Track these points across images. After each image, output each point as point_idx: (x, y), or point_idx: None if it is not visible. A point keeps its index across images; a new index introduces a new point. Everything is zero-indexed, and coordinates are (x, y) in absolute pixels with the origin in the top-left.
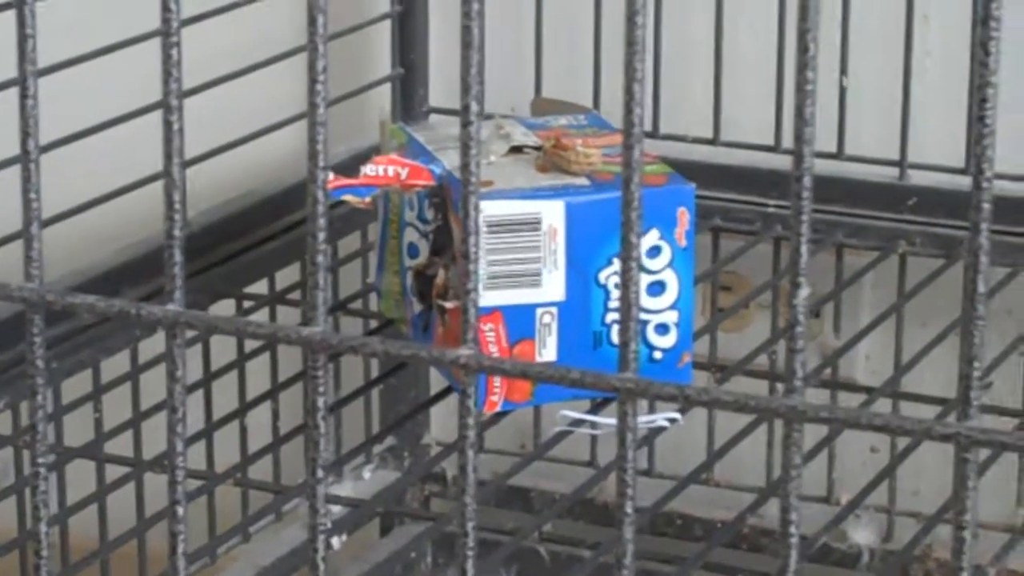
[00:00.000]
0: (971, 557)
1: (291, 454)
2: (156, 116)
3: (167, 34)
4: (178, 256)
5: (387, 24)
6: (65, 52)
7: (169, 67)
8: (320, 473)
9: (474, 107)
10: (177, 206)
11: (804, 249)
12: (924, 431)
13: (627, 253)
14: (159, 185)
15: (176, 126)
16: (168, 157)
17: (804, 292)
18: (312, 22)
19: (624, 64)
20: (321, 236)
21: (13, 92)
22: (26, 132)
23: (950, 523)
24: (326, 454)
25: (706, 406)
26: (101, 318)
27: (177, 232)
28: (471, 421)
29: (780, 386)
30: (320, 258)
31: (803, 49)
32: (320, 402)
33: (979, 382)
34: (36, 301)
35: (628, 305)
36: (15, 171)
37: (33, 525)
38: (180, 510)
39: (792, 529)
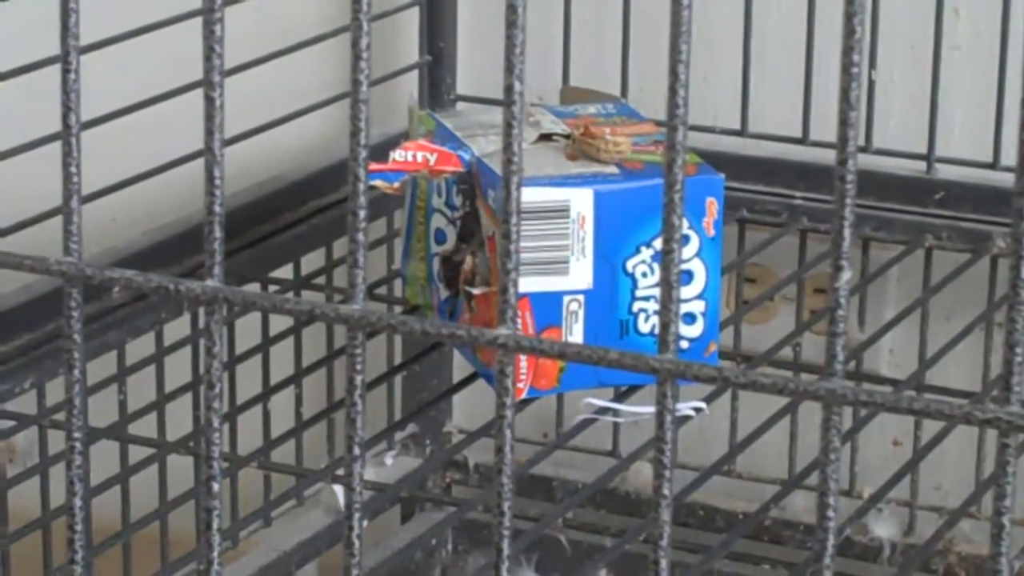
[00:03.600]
0: (1010, 545)
1: (313, 439)
2: (184, 99)
3: (211, 10)
4: (218, 232)
5: (415, 12)
6: (99, 33)
7: (211, 43)
8: (357, 451)
9: (517, 87)
10: (218, 182)
11: (847, 232)
12: (963, 415)
13: (668, 234)
14: (190, 168)
15: (218, 102)
16: (209, 133)
17: (846, 275)
18: (357, 2)
19: (669, 46)
20: (362, 214)
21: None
22: (68, 107)
23: (972, 517)
24: (363, 433)
25: (745, 388)
26: (130, 297)
27: (217, 208)
28: (508, 401)
29: (811, 378)
30: (360, 236)
31: (850, 32)
32: (358, 380)
33: (1021, 367)
34: (75, 275)
35: (669, 287)
36: (52, 149)
37: (68, 499)
38: (215, 486)
39: (830, 513)
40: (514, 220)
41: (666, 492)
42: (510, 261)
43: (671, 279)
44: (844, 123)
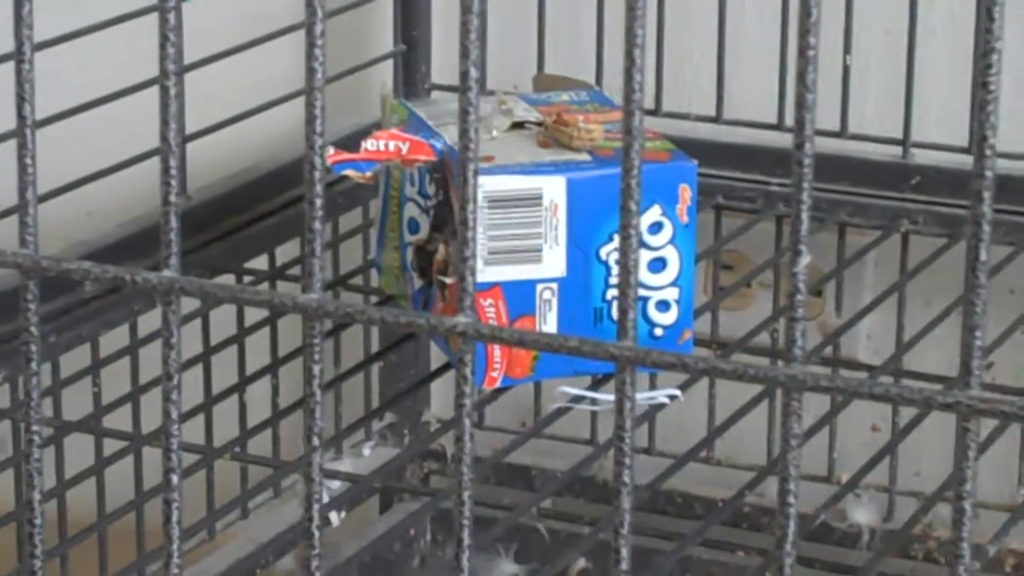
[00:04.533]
0: (971, 531)
1: (290, 430)
2: (154, 93)
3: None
4: (174, 222)
5: (390, 1)
6: (66, 27)
7: (166, 32)
8: (316, 442)
9: (473, 73)
10: (173, 171)
11: (805, 216)
12: (925, 400)
13: (626, 220)
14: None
15: (172, 92)
16: (165, 123)
17: (804, 260)
18: None
19: (624, 30)
20: (318, 202)
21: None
22: (22, 97)
23: (950, 502)
24: (323, 424)
25: (705, 374)
26: (100, 291)
27: (173, 198)
28: (468, 390)
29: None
30: (316, 224)
31: (806, 13)
32: (316, 371)
33: (980, 351)
34: (31, 267)
35: (627, 273)
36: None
37: (27, 493)
38: (174, 478)
39: (790, 500)
40: (471, 208)
41: (626, 480)
42: (468, 249)
43: (629, 265)
44: (801, 106)
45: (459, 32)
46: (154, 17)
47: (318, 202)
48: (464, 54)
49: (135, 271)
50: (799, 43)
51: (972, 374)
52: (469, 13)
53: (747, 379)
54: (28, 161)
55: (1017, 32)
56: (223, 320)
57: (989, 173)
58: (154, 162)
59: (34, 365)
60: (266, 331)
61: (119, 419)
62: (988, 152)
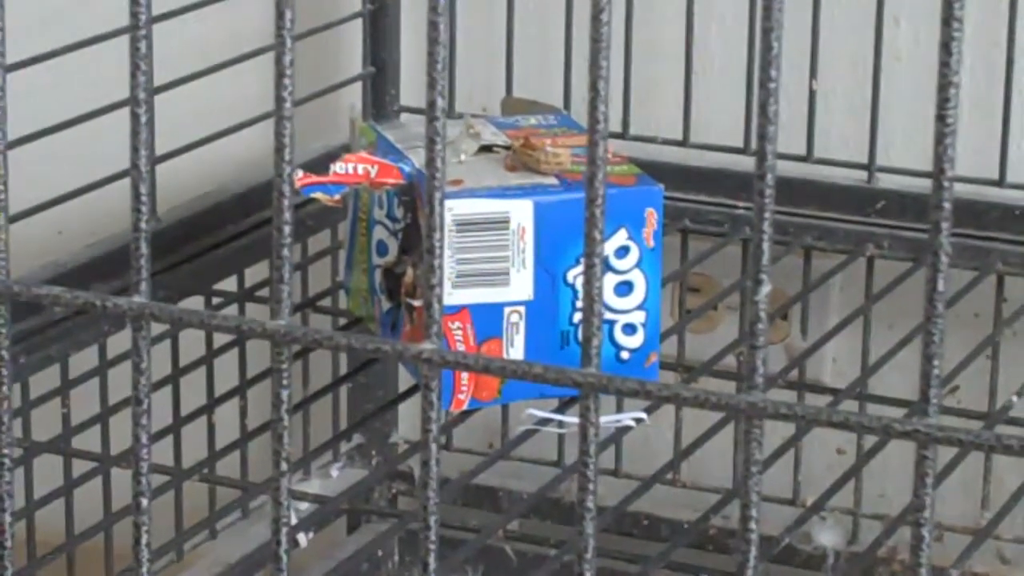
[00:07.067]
0: (931, 555)
1: (259, 451)
2: (125, 112)
3: (135, 27)
4: (144, 248)
5: (359, 23)
6: (36, 48)
7: (137, 60)
8: (284, 467)
9: (440, 103)
10: (144, 198)
11: (766, 245)
12: (883, 428)
13: (590, 248)
14: (128, 181)
15: (143, 119)
16: (135, 150)
17: (765, 289)
18: (280, 16)
19: (589, 61)
20: (286, 230)
21: None
22: None
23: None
24: (290, 448)
25: (668, 401)
26: (70, 312)
27: (143, 224)
28: (434, 415)
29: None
30: (285, 251)
31: (767, 47)
32: (284, 395)
33: (938, 380)
34: (2, 292)
35: (591, 300)
36: None
37: None
38: (144, 502)
39: (752, 525)
40: (437, 236)
41: (590, 505)
42: (434, 276)
43: (592, 293)
44: (763, 137)
45: (426, 62)
46: (121, 40)
47: (286, 229)
48: (431, 84)
49: (105, 297)
50: (760, 75)
51: (930, 403)
52: (436, 44)
53: (709, 407)
54: (0, 187)
55: (976, 56)
56: (191, 342)
57: (947, 205)
58: (120, 183)
59: (5, 388)
60: (234, 352)
61: (88, 440)
62: (946, 184)
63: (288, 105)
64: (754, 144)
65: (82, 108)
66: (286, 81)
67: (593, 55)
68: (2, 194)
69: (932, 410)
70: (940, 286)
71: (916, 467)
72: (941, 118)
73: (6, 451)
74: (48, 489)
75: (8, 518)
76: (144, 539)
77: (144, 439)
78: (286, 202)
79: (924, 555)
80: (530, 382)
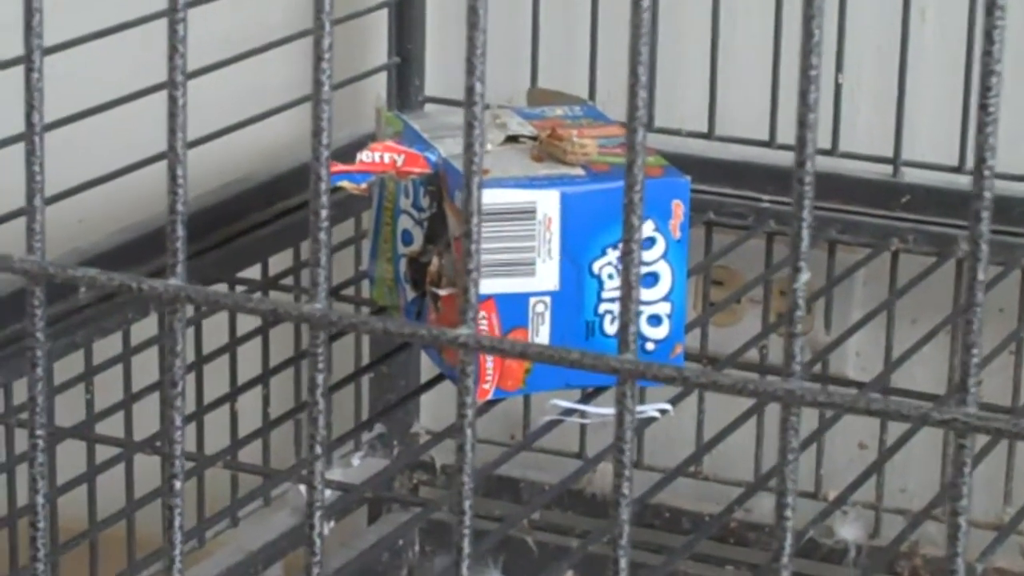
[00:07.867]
0: (965, 546)
1: (281, 439)
2: (152, 100)
3: (174, 10)
4: (180, 231)
5: (384, 13)
6: (69, 33)
7: (175, 43)
8: (319, 450)
9: (478, 88)
10: (180, 181)
11: (805, 234)
12: (921, 416)
13: (628, 235)
14: (156, 168)
15: (180, 102)
16: (172, 132)
17: (804, 277)
18: (319, 1)
19: (629, 48)
20: (324, 214)
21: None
22: (31, 105)
23: (937, 520)
24: (325, 432)
25: (706, 388)
26: (97, 297)
27: (180, 207)
28: (469, 400)
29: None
30: (322, 235)
31: (808, 35)
32: (320, 380)
33: (977, 369)
34: (38, 273)
35: (629, 287)
36: (17, 150)
37: (31, 497)
38: (177, 484)
39: (788, 513)
40: (475, 220)
41: (625, 492)
42: (471, 261)
43: (631, 279)
44: (803, 125)
45: (466, 48)
46: (148, 25)
47: (323, 212)
48: (470, 70)
49: (141, 279)
50: (801, 63)
51: (968, 391)
52: (475, 30)
53: (746, 393)
54: (36, 168)
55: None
56: (213, 331)
57: (988, 194)
58: (148, 169)
59: (39, 370)
60: (256, 341)
61: (111, 426)
62: (987, 173)
63: (327, 88)
64: (779, 137)
65: (105, 94)
66: (324, 65)
67: (633, 41)
68: (38, 176)
69: (971, 399)
70: (980, 275)
71: (954, 456)
72: (984, 107)
73: (39, 431)
74: (71, 475)
75: (41, 499)
76: (177, 522)
77: (178, 421)
78: (323, 185)
79: (960, 544)
80: (566, 367)
